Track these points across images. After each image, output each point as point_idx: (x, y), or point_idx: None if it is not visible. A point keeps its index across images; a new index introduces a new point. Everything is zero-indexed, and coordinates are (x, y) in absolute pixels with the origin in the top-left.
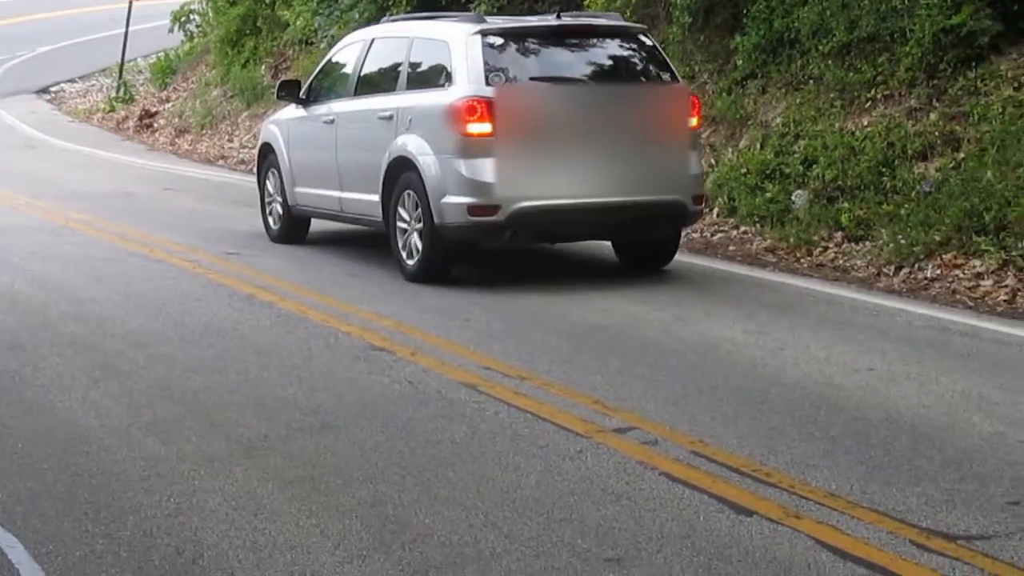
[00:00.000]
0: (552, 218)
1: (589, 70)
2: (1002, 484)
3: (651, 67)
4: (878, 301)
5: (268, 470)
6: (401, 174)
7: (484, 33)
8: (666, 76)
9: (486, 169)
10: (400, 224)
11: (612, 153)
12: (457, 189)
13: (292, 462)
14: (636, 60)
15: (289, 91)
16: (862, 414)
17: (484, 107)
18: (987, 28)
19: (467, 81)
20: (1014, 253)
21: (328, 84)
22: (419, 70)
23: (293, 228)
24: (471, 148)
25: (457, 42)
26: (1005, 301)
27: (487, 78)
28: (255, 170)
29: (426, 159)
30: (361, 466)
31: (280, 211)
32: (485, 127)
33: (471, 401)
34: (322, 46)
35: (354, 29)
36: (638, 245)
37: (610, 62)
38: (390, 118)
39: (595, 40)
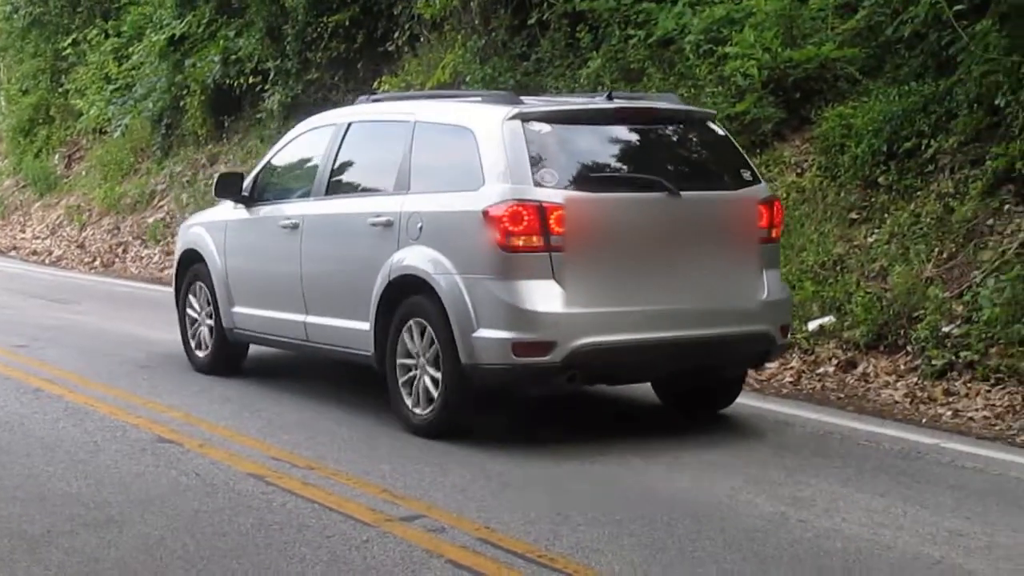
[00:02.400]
0: (622, 358)
1: (656, 167)
2: (783, 564)
3: (727, 163)
4: None
5: (50, 566)
6: (406, 298)
7: (525, 118)
8: (746, 174)
9: (538, 295)
10: (403, 362)
11: (692, 276)
12: (496, 321)
13: (75, 558)
14: (710, 154)
15: (229, 187)
16: (648, 497)
17: (533, 214)
18: (770, 115)
19: (507, 180)
20: (799, 336)
21: (283, 179)
22: (429, 164)
23: (227, 356)
24: (515, 267)
25: (489, 130)
26: (790, 383)
27: (535, 176)
28: (172, 282)
29: (447, 280)
30: (145, 561)
31: (209, 335)
32: (535, 240)
33: (259, 492)
34: (116, 135)
35: (158, 118)
36: (700, 385)
37: (680, 157)
38: (388, 225)
39: (657, 127)
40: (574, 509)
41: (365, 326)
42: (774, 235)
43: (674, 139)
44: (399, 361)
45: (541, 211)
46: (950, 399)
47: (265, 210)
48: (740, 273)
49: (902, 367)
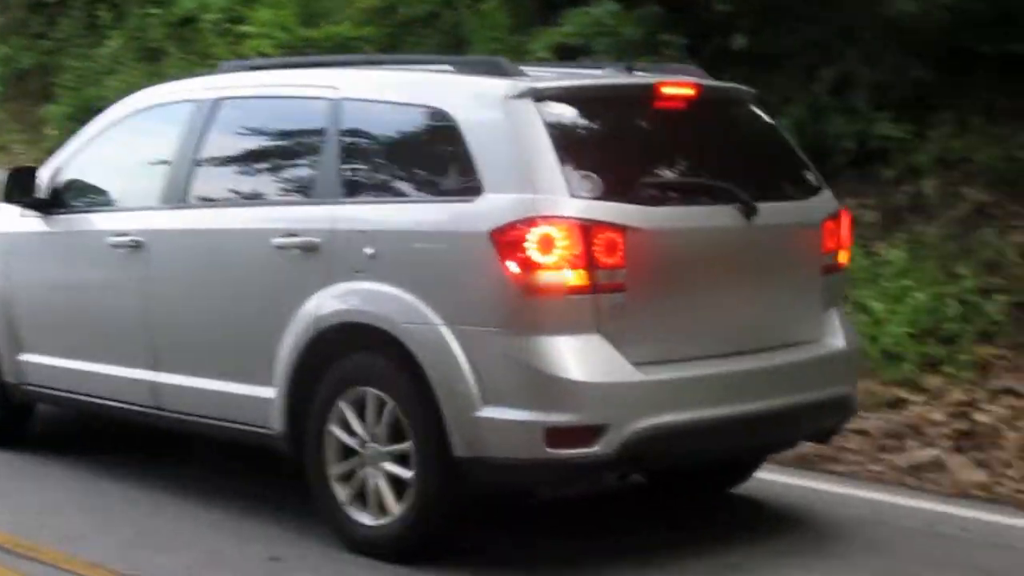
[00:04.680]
0: (693, 442)
1: (718, 169)
2: (262, 541)
3: (787, 163)
4: None
5: None
6: (345, 356)
7: (539, 96)
8: (810, 177)
9: (580, 357)
10: (340, 448)
11: (767, 322)
12: (516, 395)
13: None
14: (766, 151)
15: (22, 186)
16: (139, 486)
17: (574, 237)
18: None
19: (524, 187)
20: None
21: (105, 177)
22: (375, 162)
23: (8, 420)
24: (544, 316)
25: (483, 114)
26: None
27: (569, 182)
28: None
29: (427, 333)
30: None
31: None
32: (574, 275)
33: None
34: None
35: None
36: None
37: (740, 155)
38: (310, 249)
39: (701, 111)
40: (65, 499)
41: (268, 393)
42: (843, 260)
43: (724, 129)
44: (333, 448)
45: (585, 233)
46: None
47: (76, 220)
48: (817, 315)
49: None
